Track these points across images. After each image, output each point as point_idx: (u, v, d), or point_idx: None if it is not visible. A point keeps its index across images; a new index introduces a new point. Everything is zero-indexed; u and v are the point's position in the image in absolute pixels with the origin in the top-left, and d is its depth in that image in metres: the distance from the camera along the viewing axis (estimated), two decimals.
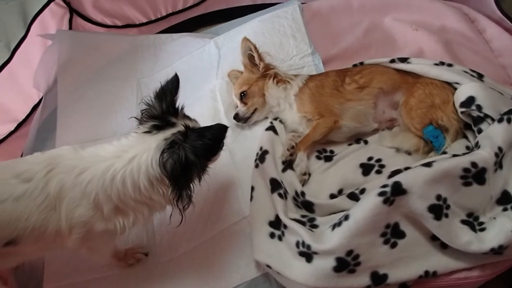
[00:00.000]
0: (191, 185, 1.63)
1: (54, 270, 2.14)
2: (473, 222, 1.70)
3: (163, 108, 1.66)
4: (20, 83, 2.86)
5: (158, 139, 1.58)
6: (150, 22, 3.38)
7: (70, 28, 3.10)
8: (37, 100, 2.95)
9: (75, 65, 3.00)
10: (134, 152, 1.58)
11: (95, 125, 2.74)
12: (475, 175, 1.69)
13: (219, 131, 1.59)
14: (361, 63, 2.34)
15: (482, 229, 1.67)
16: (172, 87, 1.69)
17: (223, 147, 1.75)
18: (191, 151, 1.54)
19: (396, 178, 1.68)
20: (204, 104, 2.53)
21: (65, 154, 1.68)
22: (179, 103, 1.71)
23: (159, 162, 1.54)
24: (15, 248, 1.63)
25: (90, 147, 1.71)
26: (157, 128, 1.62)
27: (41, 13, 2.76)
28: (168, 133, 1.59)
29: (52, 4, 2.83)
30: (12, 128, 2.81)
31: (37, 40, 2.87)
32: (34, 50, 2.88)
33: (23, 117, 2.87)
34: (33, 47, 2.86)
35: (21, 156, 2.70)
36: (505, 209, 1.71)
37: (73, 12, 3.10)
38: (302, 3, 2.89)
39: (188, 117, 1.72)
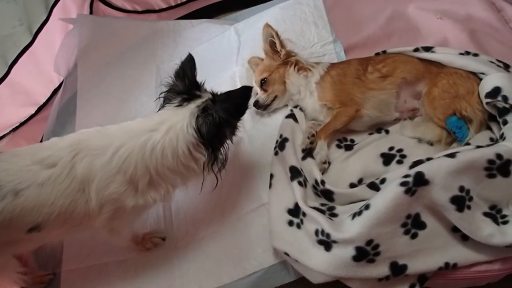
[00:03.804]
0: (225, 145, 1.78)
1: (73, 253, 2.17)
2: (495, 214, 1.67)
3: (187, 85, 1.77)
4: (41, 67, 2.88)
5: (190, 108, 1.70)
6: (169, 8, 3.37)
7: (91, 12, 3.11)
8: (58, 84, 2.97)
9: (95, 50, 3.02)
10: (170, 123, 1.68)
11: (114, 110, 2.77)
12: (500, 167, 1.65)
13: (245, 91, 1.78)
14: (384, 52, 2.30)
15: (505, 222, 1.64)
16: (190, 65, 1.81)
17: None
18: (223, 112, 1.68)
19: (418, 168, 1.66)
20: (223, 90, 2.51)
21: (89, 137, 1.71)
22: (199, 79, 1.82)
23: (194, 127, 1.66)
24: (39, 234, 1.66)
25: (111, 125, 1.77)
26: (187, 100, 1.73)
27: None
28: (198, 102, 1.72)
29: None
30: (33, 112, 2.84)
31: (59, 24, 2.89)
32: (55, 34, 2.90)
33: (44, 100, 2.89)
34: (55, 31, 2.88)
35: (41, 139, 2.74)
36: None
37: None
38: None
39: (211, 91, 1.82)
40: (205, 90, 1.81)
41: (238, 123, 1.83)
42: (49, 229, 1.66)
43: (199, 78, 1.83)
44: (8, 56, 2.60)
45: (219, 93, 1.79)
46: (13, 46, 2.66)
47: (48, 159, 1.63)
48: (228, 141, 1.81)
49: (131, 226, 1.96)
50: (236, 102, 1.74)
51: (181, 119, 1.68)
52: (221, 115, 1.68)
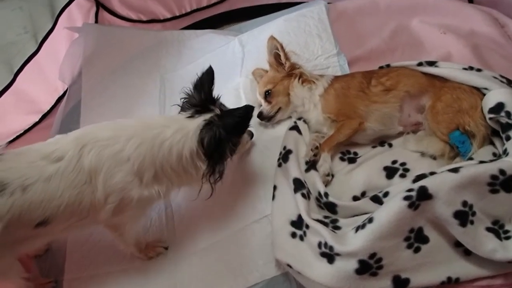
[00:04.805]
0: (224, 161, 1.86)
1: (75, 262, 2.18)
2: (498, 230, 1.68)
3: (202, 98, 1.88)
4: (46, 75, 2.90)
5: (199, 121, 1.81)
6: (174, 18, 3.39)
7: (96, 21, 3.14)
8: (62, 92, 2.99)
9: (100, 59, 3.04)
10: (180, 125, 1.80)
11: (118, 118, 2.75)
12: (503, 183, 1.66)
13: (246, 110, 1.83)
14: (388, 65, 2.31)
15: (508, 238, 1.65)
16: (208, 78, 1.91)
17: (251, 135, 2.15)
18: (223, 128, 1.77)
19: (422, 182, 1.66)
20: (227, 102, 2.51)
21: (95, 130, 1.79)
22: (215, 94, 1.93)
23: (198, 138, 1.77)
24: (46, 228, 1.69)
25: (121, 119, 1.89)
26: (198, 113, 1.84)
27: (68, 6, 2.82)
28: (207, 116, 1.82)
29: None
30: (37, 119, 2.86)
31: (64, 33, 2.92)
32: (60, 43, 2.93)
33: (48, 108, 2.91)
34: (60, 39, 2.91)
35: None
36: None
37: (100, 6, 3.15)
38: (328, 3, 2.87)
39: (224, 105, 1.95)
40: (220, 104, 1.92)
41: (238, 140, 1.92)
42: (56, 223, 1.69)
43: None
44: (13, 63, 2.63)
45: (225, 109, 1.90)
46: (17, 54, 2.69)
47: (54, 154, 1.69)
48: (229, 155, 1.90)
49: (134, 224, 1.97)
50: (236, 120, 1.82)
51: (190, 128, 1.78)
52: (221, 131, 1.77)
